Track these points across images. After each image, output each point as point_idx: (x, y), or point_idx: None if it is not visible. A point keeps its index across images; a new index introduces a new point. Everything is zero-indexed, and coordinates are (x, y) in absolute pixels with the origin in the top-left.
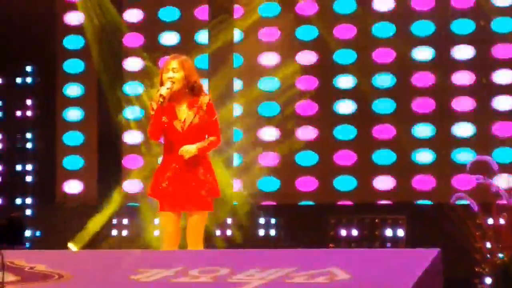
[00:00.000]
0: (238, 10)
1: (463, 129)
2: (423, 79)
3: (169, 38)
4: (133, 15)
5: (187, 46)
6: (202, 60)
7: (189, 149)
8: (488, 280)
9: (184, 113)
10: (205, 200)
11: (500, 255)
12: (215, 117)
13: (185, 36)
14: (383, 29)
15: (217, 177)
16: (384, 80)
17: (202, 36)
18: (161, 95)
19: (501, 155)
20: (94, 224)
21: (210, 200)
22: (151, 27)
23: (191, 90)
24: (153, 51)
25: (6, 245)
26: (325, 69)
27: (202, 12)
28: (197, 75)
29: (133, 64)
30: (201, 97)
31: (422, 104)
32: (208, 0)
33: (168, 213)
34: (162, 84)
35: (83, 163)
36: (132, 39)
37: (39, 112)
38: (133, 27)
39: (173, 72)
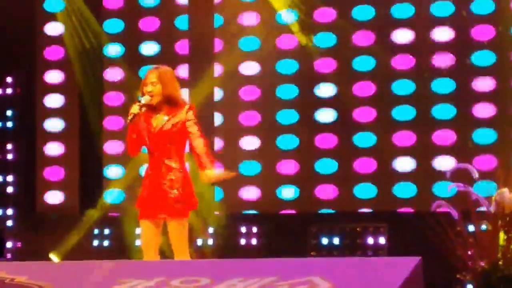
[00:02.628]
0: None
1: (444, 137)
2: (403, 86)
3: (149, 48)
4: (113, 25)
5: (167, 56)
6: (182, 70)
7: (209, 174)
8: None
9: (157, 120)
10: (177, 207)
11: (481, 262)
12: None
13: (165, 46)
14: (364, 37)
15: (197, 186)
16: (364, 88)
17: (182, 46)
18: (130, 113)
19: (481, 162)
20: (75, 234)
21: (185, 208)
22: (131, 37)
23: (168, 101)
24: (133, 61)
25: None
26: (306, 79)
27: (181, 23)
28: (176, 86)
29: (113, 74)
30: (179, 107)
31: (403, 112)
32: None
33: (146, 221)
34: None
35: (64, 173)
36: (113, 50)
37: (19, 123)
38: (113, 37)
39: (152, 85)
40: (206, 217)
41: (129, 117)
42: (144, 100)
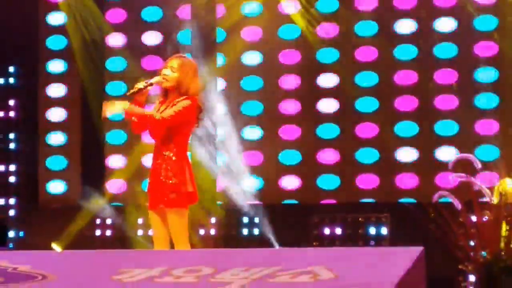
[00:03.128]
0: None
1: (446, 127)
2: (405, 77)
3: (152, 38)
4: (116, 15)
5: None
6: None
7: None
8: (472, 278)
9: (162, 108)
10: (174, 198)
11: (483, 253)
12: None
13: (168, 36)
14: (366, 28)
15: (200, 177)
16: (367, 78)
17: (185, 36)
18: (134, 87)
19: (483, 153)
20: (78, 224)
21: (180, 198)
22: (133, 27)
23: (179, 90)
24: (135, 51)
25: None
26: (308, 68)
27: (184, 12)
28: (194, 78)
29: (115, 64)
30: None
31: (405, 103)
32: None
33: (151, 211)
34: None
35: (67, 163)
36: (115, 39)
37: (22, 113)
38: (116, 27)
39: (170, 70)
40: (208, 207)
41: (132, 90)
42: (154, 79)
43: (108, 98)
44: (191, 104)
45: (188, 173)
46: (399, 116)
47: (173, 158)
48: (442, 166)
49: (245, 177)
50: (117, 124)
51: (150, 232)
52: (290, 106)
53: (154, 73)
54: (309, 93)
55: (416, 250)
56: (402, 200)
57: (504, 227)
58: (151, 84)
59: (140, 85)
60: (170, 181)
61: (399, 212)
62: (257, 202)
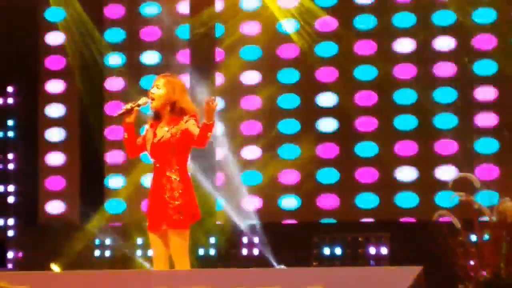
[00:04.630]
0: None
1: (446, 146)
2: (405, 96)
3: (151, 58)
4: (114, 34)
5: (168, 66)
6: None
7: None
8: None
9: (161, 130)
10: (177, 218)
11: (484, 272)
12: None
13: (166, 56)
14: (365, 47)
15: (199, 197)
16: (366, 97)
17: (184, 55)
18: (122, 108)
19: (483, 171)
20: (77, 244)
21: (184, 219)
22: (132, 45)
23: (172, 109)
24: (134, 70)
25: None
26: (307, 87)
27: (183, 32)
28: (183, 95)
29: (114, 84)
30: (183, 118)
31: (404, 121)
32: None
33: (152, 233)
34: None
35: (66, 183)
36: (114, 59)
37: (20, 133)
38: (114, 46)
39: (156, 88)
40: (207, 227)
41: (119, 112)
42: (141, 100)
43: (108, 118)
44: (197, 123)
45: (192, 193)
46: (399, 135)
47: (178, 178)
48: (442, 185)
49: (245, 197)
50: (116, 144)
51: (149, 253)
52: (289, 125)
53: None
54: (308, 112)
55: (415, 270)
56: (402, 219)
57: (504, 246)
58: (138, 105)
59: (128, 106)
60: (176, 202)
61: (399, 231)
62: (256, 222)
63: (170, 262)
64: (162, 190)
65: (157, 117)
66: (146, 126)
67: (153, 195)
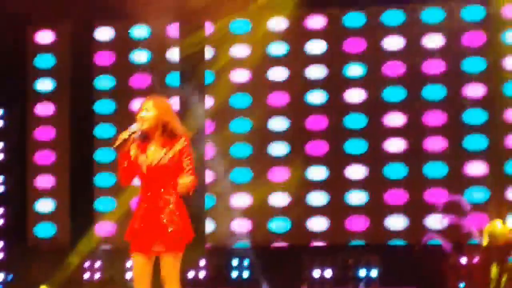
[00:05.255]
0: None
1: (436, 169)
2: (394, 118)
3: (140, 80)
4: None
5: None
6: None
7: (184, 182)
8: None
9: (154, 153)
10: (176, 241)
11: None
12: (190, 157)
13: (157, 78)
14: (355, 71)
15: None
16: (355, 120)
17: (174, 78)
18: (119, 138)
19: (473, 194)
20: (67, 267)
21: (180, 240)
22: (121, 69)
23: (164, 131)
24: (124, 94)
25: None
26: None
27: (172, 55)
28: (172, 116)
29: (104, 106)
30: (176, 139)
31: (394, 144)
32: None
33: (138, 254)
34: None
35: (55, 205)
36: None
37: (10, 156)
38: (103, 69)
39: (146, 111)
40: (195, 249)
41: (117, 143)
42: (134, 126)
43: (97, 140)
44: (190, 145)
45: (187, 215)
46: (388, 157)
47: (175, 201)
48: (432, 208)
49: (235, 219)
50: (106, 166)
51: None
52: (278, 148)
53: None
54: (298, 135)
55: None
56: (391, 242)
57: (494, 269)
58: (134, 132)
59: (125, 135)
60: (175, 225)
61: (389, 254)
62: (246, 244)
63: (151, 285)
64: (158, 212)
65: (144, 139)
66: (132, 150)
67: (147, 217)
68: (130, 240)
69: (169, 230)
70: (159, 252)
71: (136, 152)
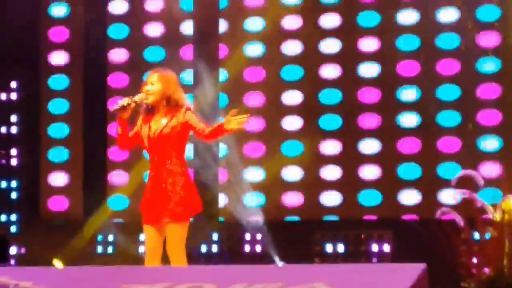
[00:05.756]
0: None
1: (449, 144)
2: (408, 93)
3: (154, 54)
4: (118, 29)
5: (172, 63)
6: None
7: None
8: None
9: (157, 123)
10: (179, 211)
11: (486, 270)
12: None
13: (170, 52)
14: (369, 46)
15: (202, 193)
16: (370, 95)
17: (187, 52)
18: (118, 104)
19: (486, 170)
20: (80, 240)
21: (186, 211)
22: (135, 42)
23: (168, 102)
24: (137, 66)
25: None
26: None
27: (186, 28)
28: (177, 89)
29: (117, 79)
30: (179, 110)
31: (408, 118)
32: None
33: (148, 226)
34: None
35: (68, 179)
36: (117, 55)
37: (23, 128)
38: (117, 42)
39: (151, 85)
40: (210, 223)
41: (115, 107)
42: (137, 96)
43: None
44: (194, 113)
45: (193, 185)
46: (402, 132)
47: (178, 171)
48: (445, 183)
49: (248, 194)
50: None
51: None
52: (292, 122)
53: None
54: (312, 109)
55: (418, 267)
56: (404, 217)
57: (507, 244)
58: (135, 102)
59: (124, 102)
60: (179, 195)
61: (402, 229)
62: (259, 218)
63: (162, 256)
64: (162, 182)
65: (149, 111)
66: (138, 123)
67: (153, 188)
68: (142, 212)
69: (173, 200)
70: (166, 223)
71: (140, 124)
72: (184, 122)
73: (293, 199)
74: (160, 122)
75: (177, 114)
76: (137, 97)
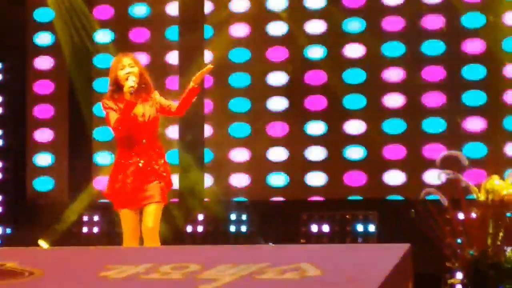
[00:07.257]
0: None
1: (434, 124)
2: (393, 74)
3: (140, 34)
4: (103, 11)
5: (157, 43)
6: (172, 56)
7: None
8: (459, 275)
9: (144, 108)
10: (161, 193)
11: (471, 250)
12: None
13: (155, 33)
14: (354, 26)
15: (188, 174)
16: (355, 75)
17: (173, 33)
18: (131, 86)
19: (471, 150)
20: (65, 221)
21: (164, 192)
22: (121, 23)
23: (145, 88)
24: (123, 47)
25: None
26: (297, 64)
27: (172, 9)
28: (146, 70)
29: (103, 60)
30: (151, 93)
31: (393, 100)
32: None
33: (127, 210)
34: (116, 82)
35: (54, 160)
36: (102, 36)
37: (9, 109)
38: (103, 23)
39: (130, 67)
40: (195, 203)
41: (131, 90)
42: (132, 81)
43: (96, 94)
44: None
45: (169, 167)
46: (387, 113)
47: (163, 153)
48: (430, 163)
49: (233, 174)
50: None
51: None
52: (277, 103)
53: None
54: (297, 91)
55: (403, 247)
56: (389, 197)
57: (491, 224)
58: (135, 82)
59: (133, 83)
60: (162, 179)
61: (387, 209)
62: (244, 199)
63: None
64: (153, 164)
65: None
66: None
67: (135, 173)
68: (116, 197)
69: (164, 181)
70: (144, 205)
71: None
72: (159, 104)
73: (278, 179)
74: (146, 105)
75: (152, 96)
76: (132, 82)
